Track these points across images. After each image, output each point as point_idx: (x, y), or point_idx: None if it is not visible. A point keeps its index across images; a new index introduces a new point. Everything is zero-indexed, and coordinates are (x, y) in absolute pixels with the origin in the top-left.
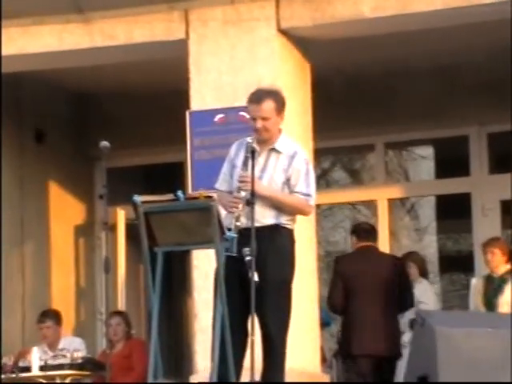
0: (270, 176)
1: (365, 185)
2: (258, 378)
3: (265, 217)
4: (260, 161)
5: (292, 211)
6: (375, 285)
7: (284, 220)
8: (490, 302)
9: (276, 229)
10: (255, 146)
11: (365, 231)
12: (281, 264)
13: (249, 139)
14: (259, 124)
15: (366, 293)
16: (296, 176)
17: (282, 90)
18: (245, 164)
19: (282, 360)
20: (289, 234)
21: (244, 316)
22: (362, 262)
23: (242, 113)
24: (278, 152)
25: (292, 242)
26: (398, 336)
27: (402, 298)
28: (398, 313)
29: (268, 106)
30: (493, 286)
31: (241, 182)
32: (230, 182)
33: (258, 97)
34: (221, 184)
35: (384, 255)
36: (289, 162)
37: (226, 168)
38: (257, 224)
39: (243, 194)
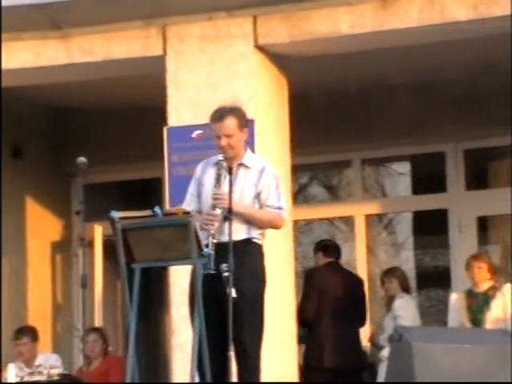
0: (241, 190)
1: (342, 201)
2: None
3: (237, 232)
4: (229, 177)
5: (265, 226)
6: (343, 299)
7: (255, 234)
8: (477, 318)
9: (247, 244)
10: (224, 163)
11: (332, 247)
12: (254, 279)
13: (220, 157)
14: (224, 142)
15: (335, 307)
16: (267, 190)
17: (242, 106)
18: (218, 181)
19: (258, 374)
20: (259, 248)
21: (220, 332)
22: (333, 277)
23: None
24: (246, 167)
25: (262, 256)
26: (362, 349)
27: (362, 315)
28: (360, 327)
29: (230, 123)
30: (477, 302)
31: (215, 199)
32: (197, 202)
33: (219, 115)
34: (188, 204)
35: (348, 271)
36: (258, 177)
37: (192, 188)
38: (226, 239)
39: (218, 211)
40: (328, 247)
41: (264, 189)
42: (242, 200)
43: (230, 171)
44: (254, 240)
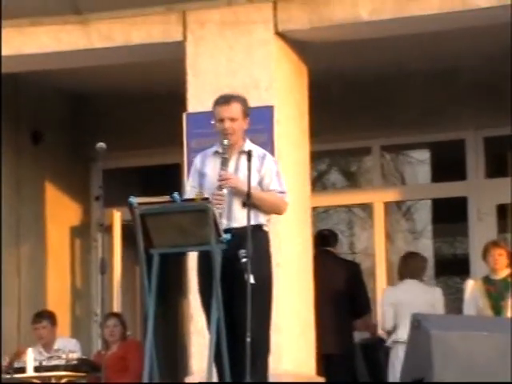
0: (245, 176)
1: (361, 188)
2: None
3: (245, 218)
4: (231, 164)
5: (270, 209)
6: (329, 288)
7: (263, 221)
8: (497, 304)
9: (256, 230)
10: (226, 146)
11: (321, 237)
12: (262, 266)
13: (225, 142)
14: (227, 124)
15: (321, 295)
16: (269, 175)
17: (246, 98)
18: (223, 164)
19: (266, 359)
20: (266, 235)
21: (228, 317)
22: (319, 267)
23: None
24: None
25: (268, 243)
26: (347, 335)
27: (356, 303)
28: (351, 317)
29: (236, 107)
30: (497, 289)
31: (221, 180)
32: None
33: (226, 99)
34: (189, 197)
35: (339, 260)
36: (260, 163)
37: (192, 181)
38: (235, 224)
39: (225, 191)
40: (317, 237)
41: (266, 174)
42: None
43: (249, 158)
44: (262, 226)
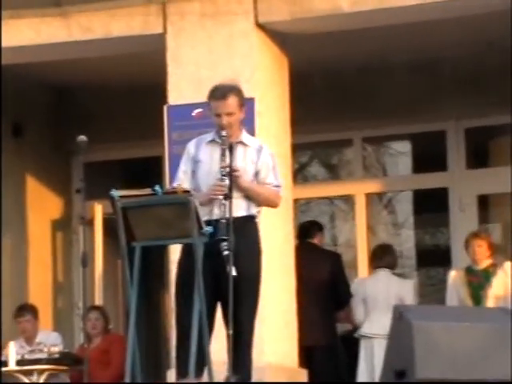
0: (242, 168)
1: (342, 179)
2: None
3: (238, 208)
4: (227, 155)
5: (264, 202)
6: (310, 280)
7: (254, 212)
8: (477, 294)
9: (247, 220)
10: (224, 137)
11: (302, 229)
12: (254, 257)
13: (223, 133)
14: (225, 120)
15: (303, 287)
16: (265, 169)
17: (240, 84)
18: (223, 155)
19: (251, 352)
20: (257, 226)
21: (212, 309)
22: (300, 258)
23: None
24: (245, 145)
25: (259, 234)
26: (330, 327)
27: (337, 293)
28: (333, 307)
29: (233, 101)
30: (478, 279)
31: (232, 171)
32: (191, 180)
33: (222, 93)
34: (181, 182)
35: (320, 251)
36: (257, 156)
37: (185, 166)
38: (227, 215)
39: (227, 181)
40: (298, 229)
41: (263, 167)
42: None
43: (230, 149)
44: (253, 217)
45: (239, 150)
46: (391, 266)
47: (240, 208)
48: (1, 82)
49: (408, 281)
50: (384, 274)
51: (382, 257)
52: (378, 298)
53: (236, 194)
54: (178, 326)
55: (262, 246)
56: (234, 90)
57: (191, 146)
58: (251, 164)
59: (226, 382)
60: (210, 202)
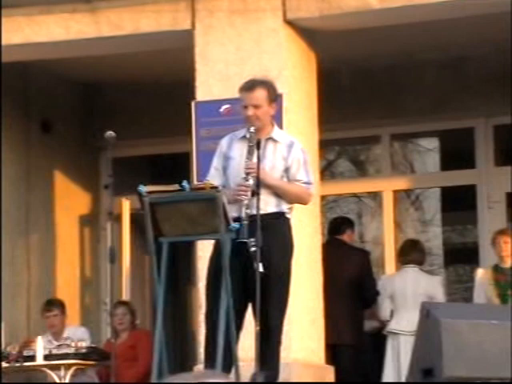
0: (272, 164)
1: (370, 176)
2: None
3: (267, 205)
4: (256, 152)
5: (293, 200)
6: (338, 277)
7: (284, 208)
8: (505, 293)
9: (278, 217)
10: (252, 133)
11: (332, 224)
12: (284, 254)
13: (252, 129)
14: (250, 112)
15: (331, 284)
16: (296, 165)
17: (275, 81)
18: (250, 153)
19: (279, 349)
20: (288, 222)
21: (242, 306)
22: (328, 255)
23: None
24: (275, 141)
25: (291, 230)
26: (356, 325)
27: (364, 290)
28: (360, 305)
29: (260, 93)
30: (505, 278)
31: (248, 169)
32: (222, 177)
33: (250, 85)
34: (213, 178)
35: (347, 248)
36: (288, 151)
37: (217, 163)
38: (259, 212)
39: (251, 181)
40: (328, 225)
41: (293, 163)
42: (272, 173)
43: (257, 146)
44: (284, 213)
45: (269, 147)
46: (419, 263)
47: (270, 204)
48: (30, 77)
49: (436, 277)
50: (412, 271)
51: (410, 253)
52: (406, 295)
53: (265, 191)
54: (207, 322)
55: (294, 241)
56: (264, 83)
57: (224, 142)
58: (281, 160)
59: (250, 383)
60: (235, 201)
